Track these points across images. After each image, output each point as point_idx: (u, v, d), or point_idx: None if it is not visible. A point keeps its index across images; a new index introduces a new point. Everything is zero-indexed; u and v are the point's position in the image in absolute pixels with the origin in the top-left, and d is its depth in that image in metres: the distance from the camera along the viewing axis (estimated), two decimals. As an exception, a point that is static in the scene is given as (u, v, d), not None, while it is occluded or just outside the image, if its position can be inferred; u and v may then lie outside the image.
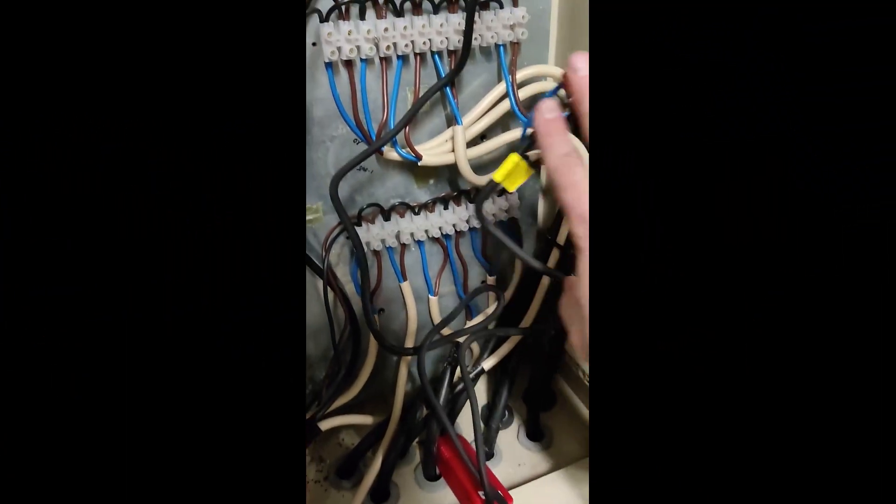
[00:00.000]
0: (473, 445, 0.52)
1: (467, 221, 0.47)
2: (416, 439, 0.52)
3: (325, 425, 0.48)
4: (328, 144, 0.41)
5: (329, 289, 0.45)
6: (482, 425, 0.55)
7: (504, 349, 0.52)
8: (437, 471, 0.50)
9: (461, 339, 0.48)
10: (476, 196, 0.35)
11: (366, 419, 0.51)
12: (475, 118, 0.42)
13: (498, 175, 0.33)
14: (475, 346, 0.55)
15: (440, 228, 0.47)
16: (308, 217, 0.43)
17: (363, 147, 0.42)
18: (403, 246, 0.47)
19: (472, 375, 0.51)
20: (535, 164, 0.33)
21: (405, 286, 0.49)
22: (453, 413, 0.53)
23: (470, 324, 0.53)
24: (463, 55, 0.37)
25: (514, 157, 0.33)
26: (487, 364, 0.51)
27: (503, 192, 0.49)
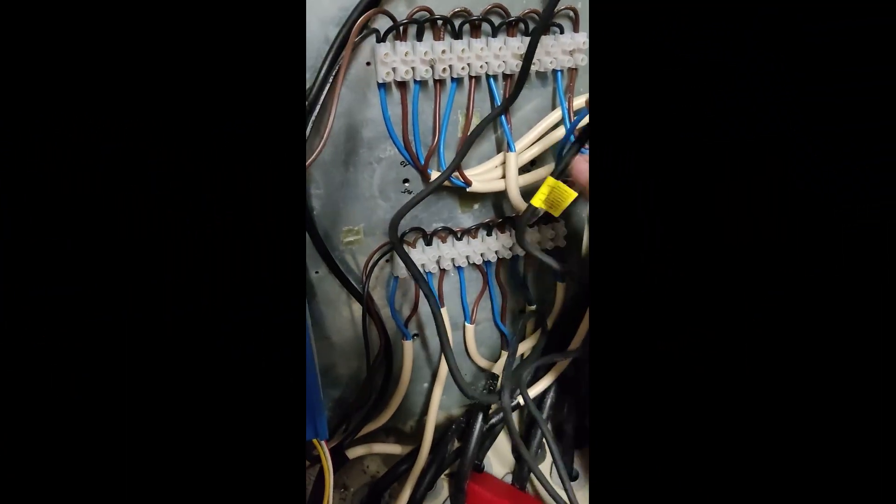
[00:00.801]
0: (508, 480, 0.50)
1: (510, 249, 0.46)
2: (445, 472, 0.50)
3: (352, 454, 0.46)
4: (375, 166, 0.39)
5: (367, 313, 0.43)
6: (511, 461, 0.53)
7: (540, 385, 0.50)
8: (467, 507, 0.48)
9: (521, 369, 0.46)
10: (516, 222, 0.34)
11: (394, 448, 0.49)
12: (527, 144, 0.40)
13: (536, 200, 0.32)
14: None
15: (482, 255, 0.45)
16: (349, 239, 0.42)
17: (410, 170, 0.41)
18: (443, 271, 0.46)
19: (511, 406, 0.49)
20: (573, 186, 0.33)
21: (443, 312, 0.47)
22: (484, 448, 0.51)
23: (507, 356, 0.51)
24: (519, 82, 0.36)
25: (550, 181, 0.32)
26: (522, 399, 0.49)
27: (549, 219, 0.47)
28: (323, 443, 0.38)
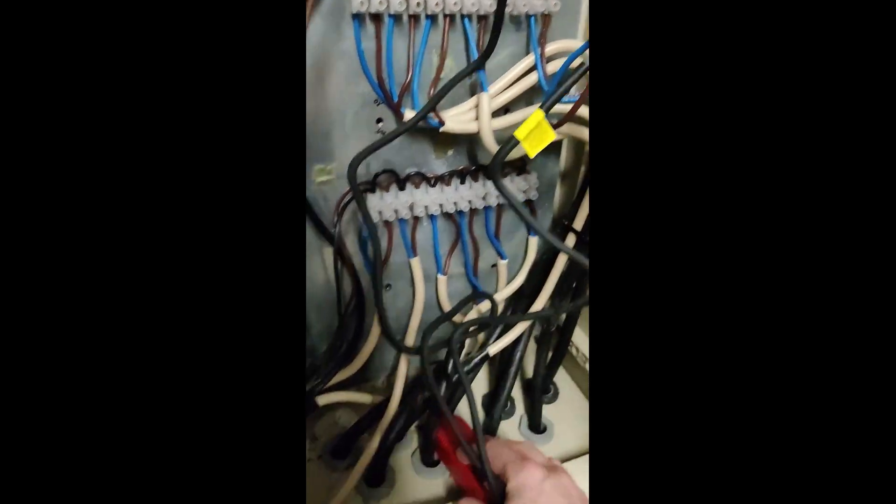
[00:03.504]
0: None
1: (483, 198, 0.46)
2: (416, 423, 0.50)
3: (322, 400, 0.46)
4: (348, 102, 0.39)
5: (339, 258, 0.43)
6: (481, 413, 0.53)
7: (510, 336, 0.50)
8: (436, 457, 0.48)
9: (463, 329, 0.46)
10: (496, 154, 0.34)
11: (365, 397, 0.49)
12: (501, 89, 0.40)
13: (520, 132, 0.32)
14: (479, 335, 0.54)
15: (455, 203, 0.45)
16: (321, 178, 0.41)
17: (383, 109, 0.40)
18: (416, 219, 0.46)
19: (476, 360, 0.50)
20: (557, 127, 0.33)
21: (415, 262, 0.48)
22: (454, 399, 0.51)
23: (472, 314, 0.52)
24: (496, 27, 0.35)
25: (538, 115, 0.31)
26: (492, 350, 0.50)
27: (522, 171, 0.47)
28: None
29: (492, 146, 0.41)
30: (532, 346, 0.57)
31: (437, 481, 0.47)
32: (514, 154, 0.44)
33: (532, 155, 0.34)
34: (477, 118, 0.40)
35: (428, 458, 0.48)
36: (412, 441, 0.50)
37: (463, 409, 0.53)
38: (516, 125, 0.42)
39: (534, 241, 0.52)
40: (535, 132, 0.32)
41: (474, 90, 0.42)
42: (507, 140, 0.33)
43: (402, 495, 0.46)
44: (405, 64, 0.38)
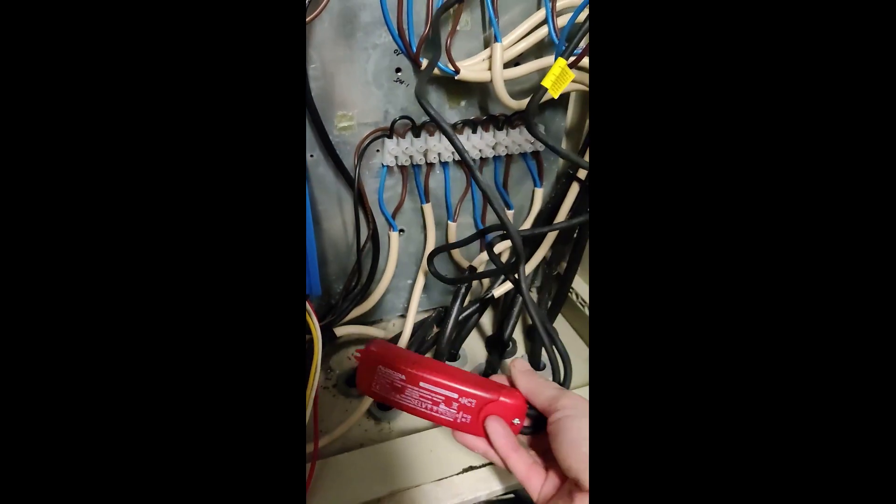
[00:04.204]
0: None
1: (493, 148, 0.49)
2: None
3: (339, 331, 0.50)
4: (370, 52, 0.42)
5: (359, 200, 0.46)
6: (485, 353, 0.57)
7: (507, 285, 0.54)
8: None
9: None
10: (530, 100, 0.38)
11: (378, 332, 0.53)
12: (513, 41, 0.43)
13: (546, 81, 0.35)
14: (485, 279, 0.57)
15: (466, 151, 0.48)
16: (343, 124, 0.44)
17: (402, 59, 0.43)
18: (430, 166, 0.49)
19: (482, 300, 0.53)
20: (573, 67, 0.37)
21: (427, 208, 0.51)
22: (460, 337, 0.55)
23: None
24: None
25: (560, 63, 0.35)
26: (498, 291, 0.53)
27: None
28: (312, 310, 0.41)
29: (502, 93, 0.43)
30: (533, 295, 0.61)
31: (443, 410, 0.51)
32: (523, 106, 0.47)
33: (556, 95, 0.38)
34: (490, 68, 0.42)
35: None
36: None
37: (467, 347, 0.57)
38: (525, 76, 0.45)
39: (539, 193, 0.55)
40: (559, 78, 0.36)
41: (488, 43, 0.44)
42: (536, 89, 0.37)
43: (411, 418, 0.50)
44: (424, 16, 0.41)
